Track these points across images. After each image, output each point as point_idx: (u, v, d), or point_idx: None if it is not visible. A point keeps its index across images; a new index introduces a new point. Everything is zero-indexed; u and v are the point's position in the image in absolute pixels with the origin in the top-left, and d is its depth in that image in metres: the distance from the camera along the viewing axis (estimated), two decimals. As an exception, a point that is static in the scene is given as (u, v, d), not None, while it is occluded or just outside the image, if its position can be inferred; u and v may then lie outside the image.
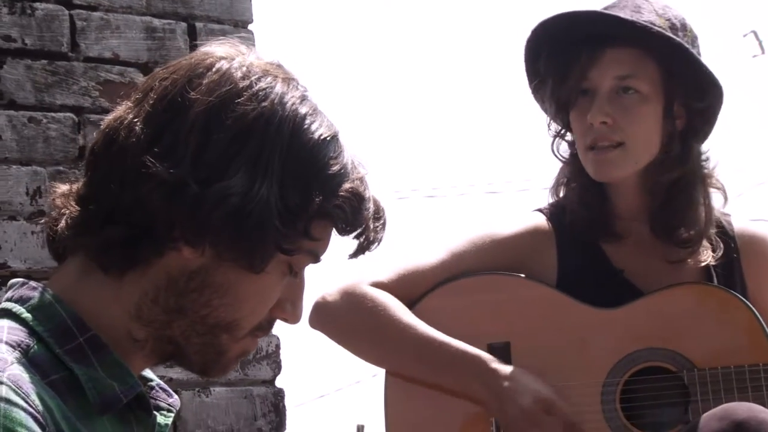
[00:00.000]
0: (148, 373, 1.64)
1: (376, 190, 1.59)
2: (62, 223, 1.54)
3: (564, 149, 2.65)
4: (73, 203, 1.54)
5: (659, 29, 2.48)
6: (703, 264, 2.59)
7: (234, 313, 1.53)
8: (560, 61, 2.55)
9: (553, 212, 2.65)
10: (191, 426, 2.85)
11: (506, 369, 2.50)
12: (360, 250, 1.60)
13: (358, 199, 1.53)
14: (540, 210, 2.68)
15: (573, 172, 2.62)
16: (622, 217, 2.61)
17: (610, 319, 2.55)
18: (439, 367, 2.53)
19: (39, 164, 2.76)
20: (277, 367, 3.00)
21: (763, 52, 16.16)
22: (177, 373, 2.73)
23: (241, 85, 1.51)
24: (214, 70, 1.52)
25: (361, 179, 1.55)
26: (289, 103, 1.51)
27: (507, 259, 2.61)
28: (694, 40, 2.56)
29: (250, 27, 3.07)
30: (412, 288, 2.60)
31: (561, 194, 2.66)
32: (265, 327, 1.59)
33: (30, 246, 2.71)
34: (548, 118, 2.65)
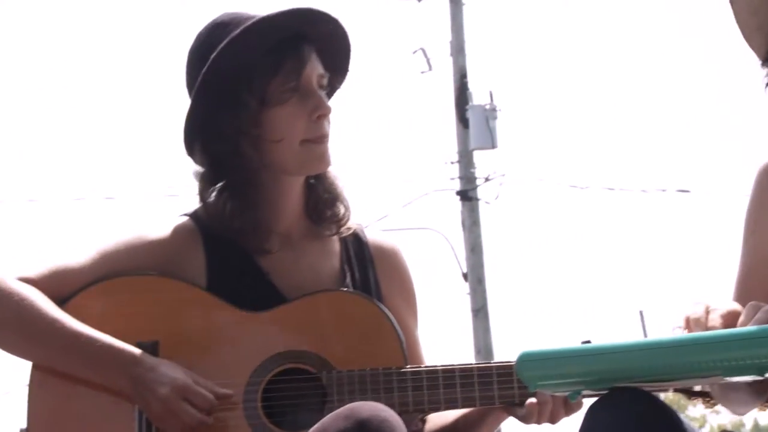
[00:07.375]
0: None
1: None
2: None
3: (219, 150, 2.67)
4: None
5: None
6: (348, 234, 2.75)
7: None
8: (270, 60, 2.60)
9: (201, 215, 2.72)
10: None
11: (149, 361, 2.55)
12: None
13: None
14: (187, 214, 2.74)
15: (242, 178, 2.67)
16: (284, 220, 2.72)
17: (257, 321, 2.63)
18: (87, 360, 2.55)
19: None
20: None
21: (430, 69, 16.68)
22: None
23: None
24: None
25: None
26: None
27: (156, 261, 2.66)
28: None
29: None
30: (60, 285, 2.62)
31: (212, 198, 2.69)
32: None
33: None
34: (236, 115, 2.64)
